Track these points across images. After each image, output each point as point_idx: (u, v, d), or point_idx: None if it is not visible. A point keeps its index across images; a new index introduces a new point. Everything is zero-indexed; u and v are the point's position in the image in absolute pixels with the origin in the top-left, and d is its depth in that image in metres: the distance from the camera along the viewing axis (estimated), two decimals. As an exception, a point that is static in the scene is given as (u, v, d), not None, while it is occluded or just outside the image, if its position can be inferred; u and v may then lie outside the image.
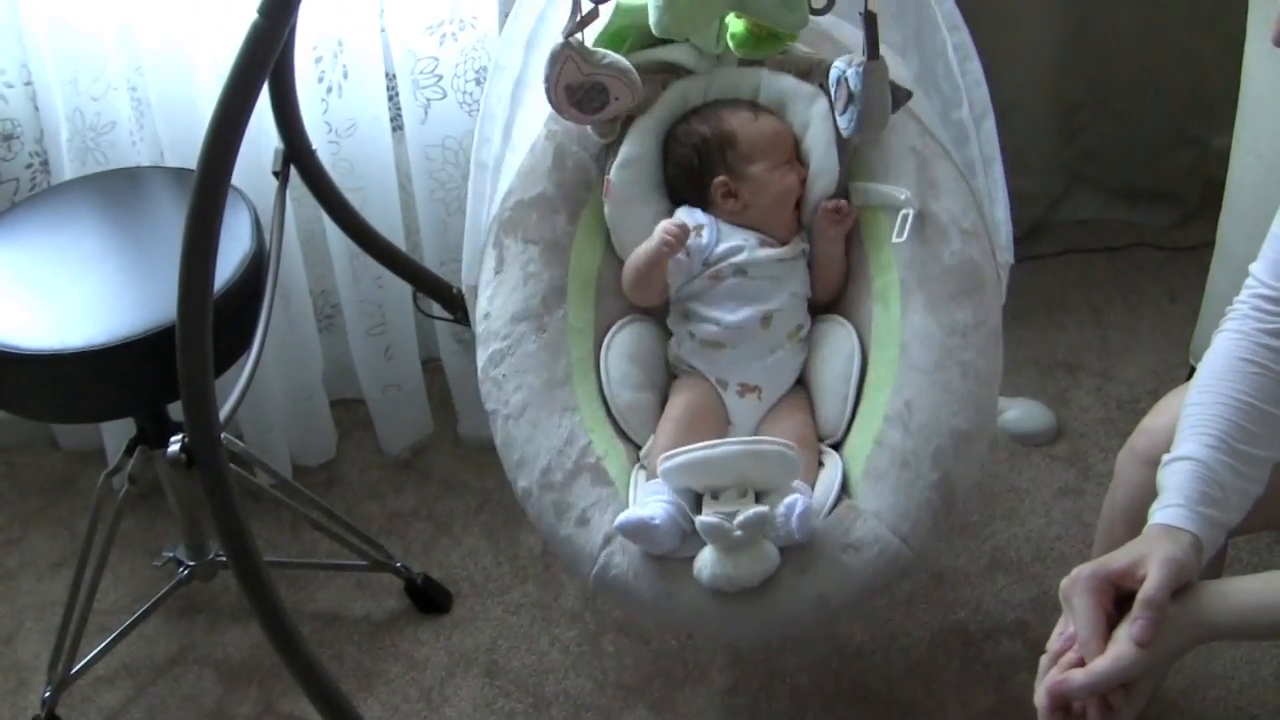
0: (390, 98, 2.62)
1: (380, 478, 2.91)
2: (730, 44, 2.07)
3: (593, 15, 1.94)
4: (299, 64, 2.27)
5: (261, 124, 2.30)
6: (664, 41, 2.14)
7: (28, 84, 2.49)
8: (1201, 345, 1.71)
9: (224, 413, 1.91)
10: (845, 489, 1.89)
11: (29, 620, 2.65)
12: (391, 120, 2.64)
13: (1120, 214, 3.41)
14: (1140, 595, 1.40)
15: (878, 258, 2.04)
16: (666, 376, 2.10)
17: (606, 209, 2.11)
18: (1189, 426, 1.54)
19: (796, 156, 2.12)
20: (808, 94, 2.11)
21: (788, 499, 1.77)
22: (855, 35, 1.96)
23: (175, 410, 1.94)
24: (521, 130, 2.16)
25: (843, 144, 2.07)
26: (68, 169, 2.49)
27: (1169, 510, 1.48)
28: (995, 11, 3.02)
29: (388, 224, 2.66)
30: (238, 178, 1.83)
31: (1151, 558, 1.42)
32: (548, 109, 2.09)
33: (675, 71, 2.15)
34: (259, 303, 2.12)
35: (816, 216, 2.08)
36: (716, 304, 2.05)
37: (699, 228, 2.08)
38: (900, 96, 1.96)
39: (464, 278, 2.17)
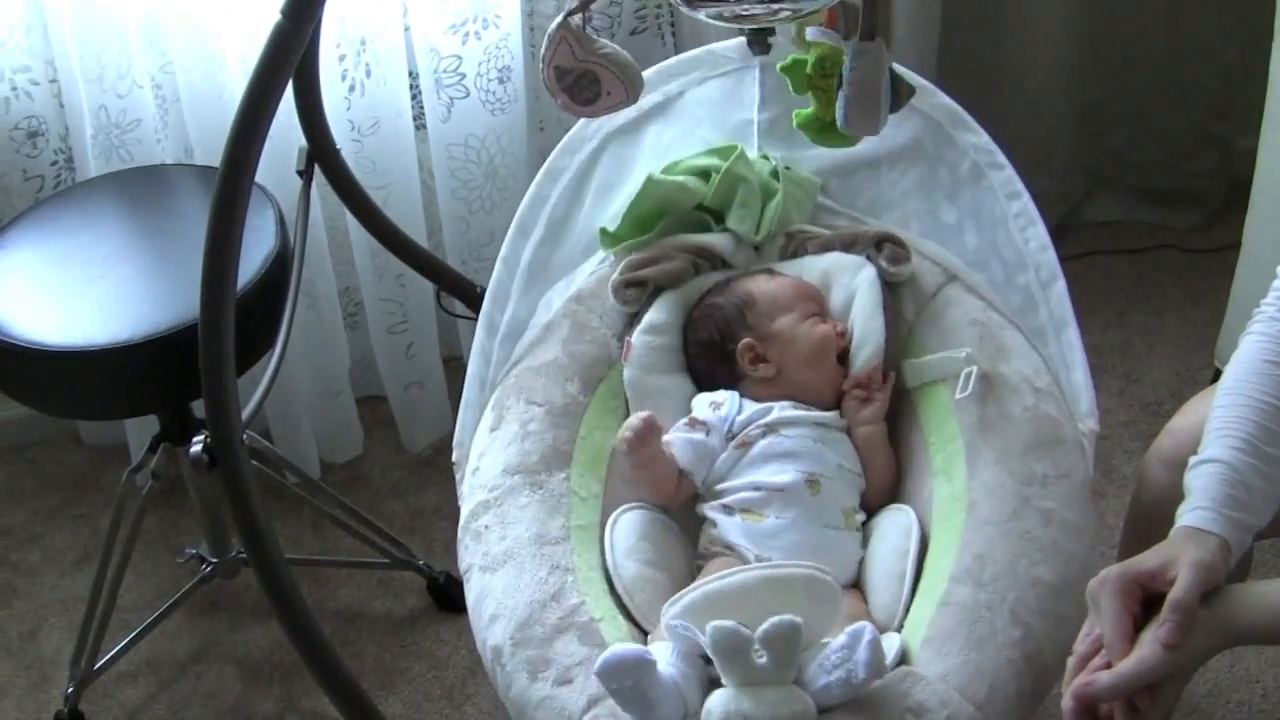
0: (413, 96, 2.63)
1: (402, 476, 2.91)
2: (801, 127, 1.89)
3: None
4: (323, 62, 2.27)
5: (286, 122, 2.30)
6: (702, 226, 2.09)
7: (53, 81, 2.50)
8: (1226, 348, 1.71)
9: (247, 411, 1.92)
10: (903, 661, 1.57)
11: (52, 616, 2.66)
12: (414, 119, 2.65)
13: (1144, 216, 3.40)
14: (1170, 598, 1.40)
15: (939, 432, 1.84)
16: (687, 567, 1.81)
17: (626, 373, 1.95)
18: (1215, 429, 1.54)
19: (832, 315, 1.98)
20: (853, 265, 2.00)
21: (851, 628, 1.44)
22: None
23: (199, 407, 1.95)
24: (539, 309, 2.06)
25: (889, 306, 1.94)
26: (92, 166, 2.50)
27: (1196, 513, 1.47)
28: (1018, 12, 3.02)
29: (410, 222, 2.67)
30: (262, 176, 1.83)
31: (1181, 560, 1.42)
32: (569, 291, 2.02)
33: (713, 261, 2.06)
34: (283, 301, 2.13)
35: (845, 401, 1.91)
36: (752, 469, 1.81)
37: (718, 404, 1.89)
38: (903, 90, 1.75)
39: (455, 444, 1.98)
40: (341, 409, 2.89)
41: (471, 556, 1.73)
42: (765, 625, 1.39)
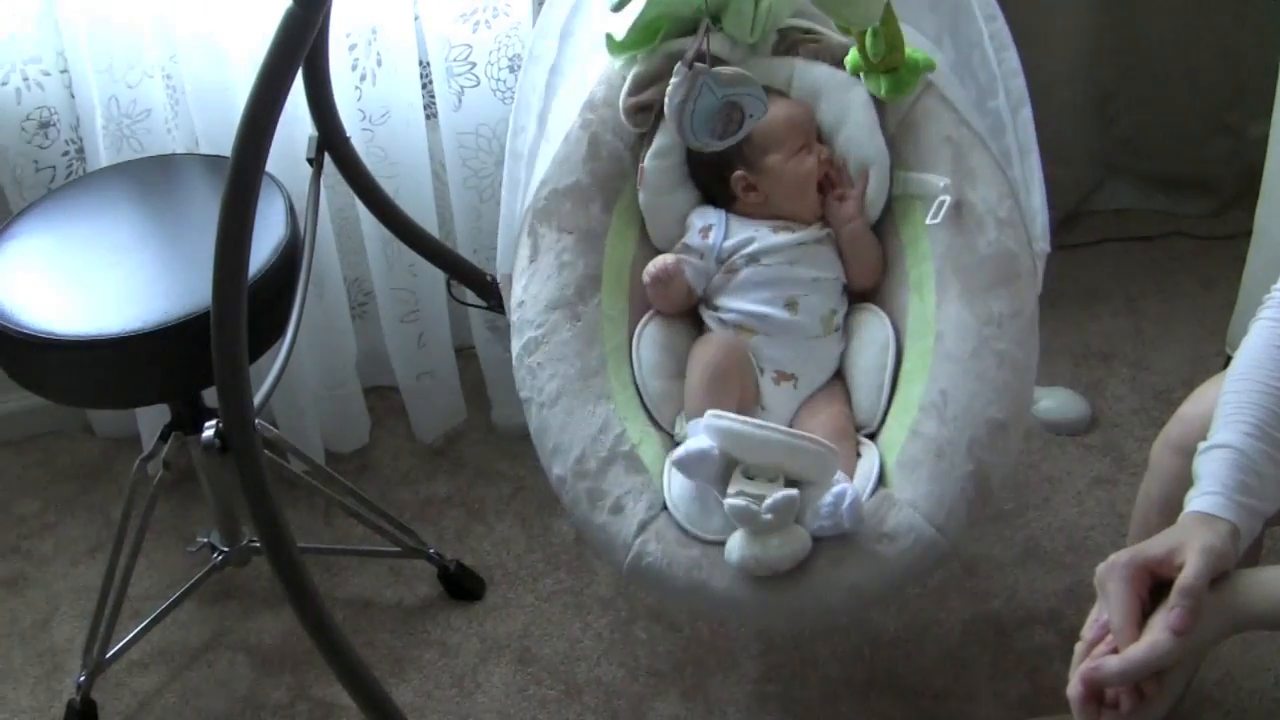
0: (424, 85, 2.63)
1: (413, 465, 2.92)
2: (864, 79, 2.07)
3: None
4: (333, 51, 2.27)
5: (296, 111, 2.30)
6: (694, 31, 2.11)
7: (64, 71, 2.51)
8: (1238, 334, 1.71)
9: (258, 399, 1.92)
10: (881, 479, 1.88)
11: (64, 605, 2.67)
12: (425, 108, 2.65)
13: (1156, 203, 3.39)
14: (1178, 583, 1.40)
15: (914, 247, 2.03)
16: None
17: (641, 197, 2.12)
18: (1226, 414, 1.53)
19: (820, 139, 2.12)
20: (843, 82, 2.11)
21: (836, 488, 1.76)
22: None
23: (209, 396, 1.95)
24: (556, 120, 2.16)
25: (884, 124, 2.08)
26: (103, 156, 2.51)
27: (1206, 498, 1.47)
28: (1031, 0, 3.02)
29: (421, 211, 2.67)
30: (272, 165, 1.83)
31: (1189, 546, 1.42)
32: (583, 97, 2.09)
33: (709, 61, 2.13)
34: (293, 290, 2.13)
35: (826, 204, 2.10)
36: (736, 295, 2.06)
37: (707, 228, 2.09)
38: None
39: (499, 266, 2.18)
40: (348, 399, 2.89)
41: (529, 391, 1.97)
42: (769, 500, 1.72)
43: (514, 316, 2.04)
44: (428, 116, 2.66)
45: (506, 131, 2.44)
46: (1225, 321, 2.80)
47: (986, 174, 2.01)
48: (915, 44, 2.08)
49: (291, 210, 2.21)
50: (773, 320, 2.02)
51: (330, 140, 2.31)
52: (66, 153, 2.59)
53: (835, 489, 1.76)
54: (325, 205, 2.59)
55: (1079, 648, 1.46)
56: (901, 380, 1.97)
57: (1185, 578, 1.39)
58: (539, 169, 2.13)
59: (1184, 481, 1.54)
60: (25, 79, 2.48)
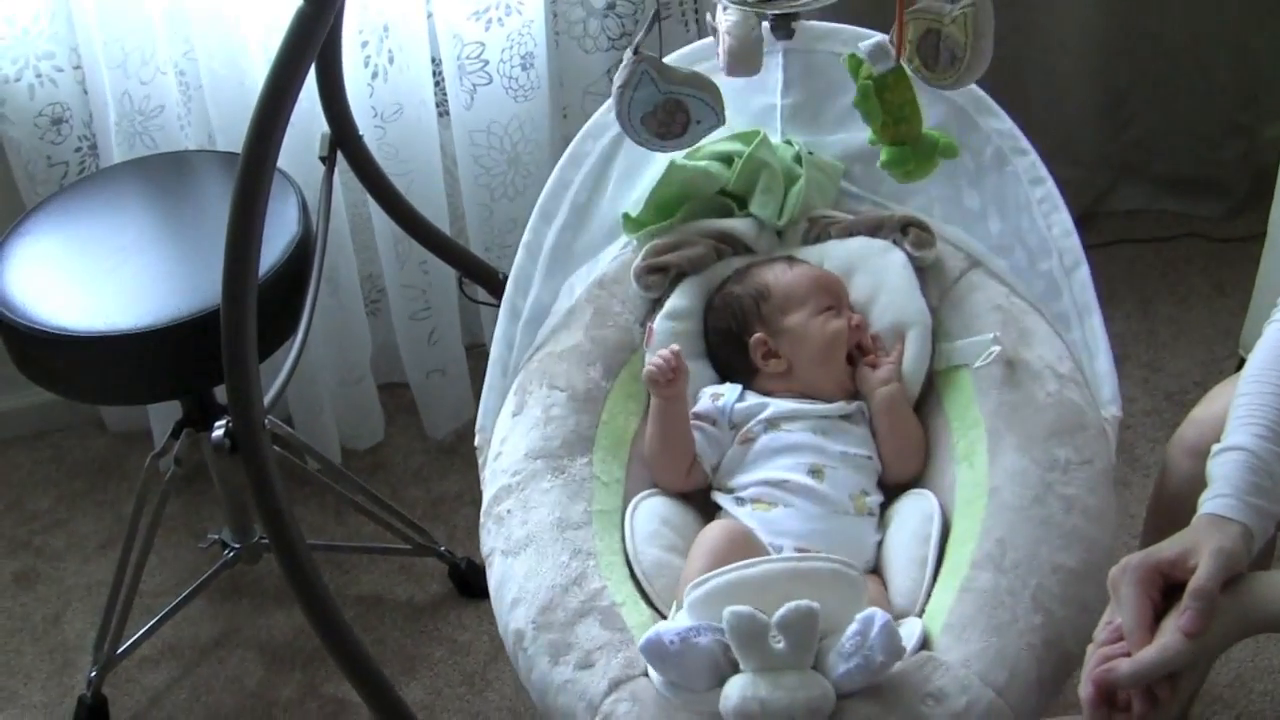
0: (436, 83, 2.63)
1: (424, 462, 2.92)
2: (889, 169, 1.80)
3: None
4: (346, 49, 2.27)
5: (309, 108, 2.30)
6: (724, 213, 2.09)
7: (77, 68, 2.51)
8: (1251, 337, 1.70)
9: (269, 397, 1.92)
10: (924, 646, 1.56)
11: (75, 601, 2.67)
12: (437, 105, 2.65)
13: (1169, 205, 3.38)
14: (1191, 585, 1.39)
15: (963, 418, 1.84)
16: None
17: (648, 359, 1.89)
18: (1239, 417, 1.53)
19: (852, 309, 1.97)
20: (879, 249, 2.00)
21: (862, 614, 1.44)
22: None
23: (221, 393, 1.95)
24: (562, 294, 2.07)
25: (926, 293, 1.95)
26: (116, 152, 2.51)
27: (1218, 500, 1.46)
28: (1044, 0, 3.01)
29: (433, 209, 2.67)
30: (284, 162, 1.84)
31: (1202, 548, 1.41)
32: (590, 277, 2.02)
33: (735, 246, 2.06)
34: (305, 287, 2.13)
35: (858, 374, 1.92)
36: (752, 467, 1.84)
37: (717, 394, 1.91)
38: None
39: (478, 428, 1.99)
40: (363, 396, 2.89)
41: (494, 541, 1.73)
42: (782, 610, 1.40)
43: (486, 472, 1.86)
44: (440, 114, 2.66)
45: (518, 130, 2.45)
46: (1238, 324, 2.79)
47: (1042, 335, 1.87)
48: (959, 221, 2.04)
49: (304, 207, 2.22)
50: (793, 485, 1.78)
51: (342, 137, 2.32)
52: (79, 149, 2.59)
53: (862, 615, 1.44)
54: (339, 202, 2.59)
55: (1091, 650, 1.46)
56: (950, 549, 1.70)
57: (1198, 580, 1.39)
58: (538, 335, 2.02)
59: (1197, 484, 1.53)
60: (38, 75, 2.49)
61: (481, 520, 1.80)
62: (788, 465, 1.81)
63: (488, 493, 1.82)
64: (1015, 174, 2.04)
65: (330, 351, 2.78)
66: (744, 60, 1.86)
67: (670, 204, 2.06)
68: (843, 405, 1.89)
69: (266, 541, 2.43)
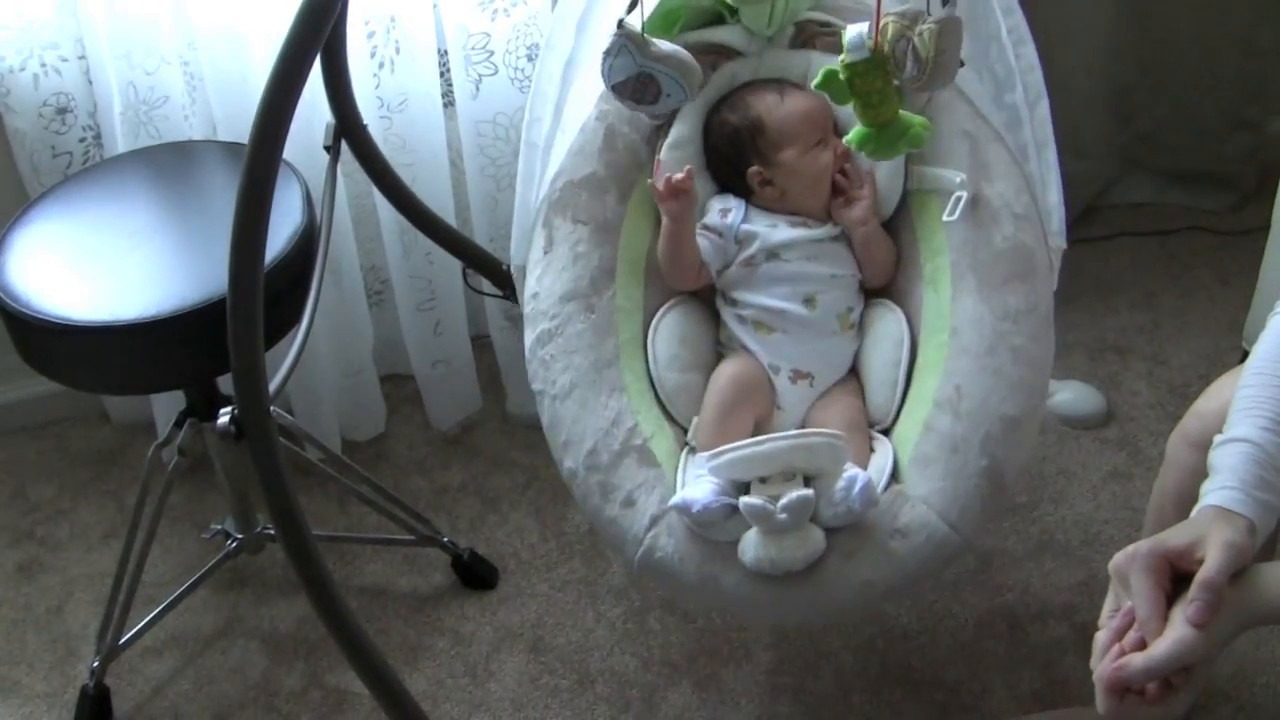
0: (442, 73, 2.63)
1: (428, 453, 2.92)
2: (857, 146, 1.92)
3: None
4: (352, 39, 2.27)
5: (314, 99, 2.30)
6: (717, 22, 2.14)
7: (81, 58, 2.51)
8: (1254, 330, 1.70)
9: (273, 385, 1.92)
10: (895, 475, 1.87)
11: (78, 590, 2.67)
12: (443, 96, 2.65)
13: (1174, 198, 3.38)
14: (1199, 577, 1.39)
15: (929, 242, 2.02)
16: (715, 359, 2.08)
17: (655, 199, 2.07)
18: (1242, 409, 1.53)
19: (836, 132, 2.09)
20: None
21: (848, 473, 1.75)
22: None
23: (225, 384, 1.95)
24: (572, 111, 2.15)
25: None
26: (120, 143, 2.51)
27: (1224, 493, 1.46)
28: (1050, -8, 3.01)
29: (438, 200, 2.67)
30: (289, 152, 1.83)
31: (1210, 540, 1.41)
32: (599, 89, 2.07)
33: (726, 53, 2.14)
34: (309, 277, 2.13)
35: (833, 206, 2.09)
36: (756, 290, 2.04)
37: (726, 210, 2.08)
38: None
39: (513, 257, 2.17)
40: (364, 387, 2.89)
41: (542, 384, 1.96)
42: (784, 499, 1.71)
43: (527, 308, 2.03)
44: (445, 105, 2.66)
45: (523, 121, 2.44)
46: (1242, 316, 2.79)
47: (1003, 169, 1.99)
48: None
49: (308, 197, 2.21)
50: (791, 316, 2.01)
51: (348, 128, 2.31)
52: (84, 139, 2.60)
53: (846, 474, 1.75)
54: (343, 193, 2.60)
55: (1101, 637, 1.45)
56: (916, 375, 1.96)
57: (1207, 571, 1.39)
58: (554, 160, 2.12)
59: (1200, 476, 1.53)
60: (43, 65, 2.49)
61: (528, 357, 1.99)
62: (784, 294, 2.03)
63: (529, 333, 2.00)
64: (988, 0, 2.11)
65: (332, 343, 2.78)
66: None
67: (670, 16, 2.11)
68: (831, 229, 2.08)
69: (270, 532, 2.43)
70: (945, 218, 1.97)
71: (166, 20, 2.44)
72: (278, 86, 1.73)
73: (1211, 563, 1.39)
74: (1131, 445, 2.77)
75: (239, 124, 2.47)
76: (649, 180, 2.04)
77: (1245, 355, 1.65)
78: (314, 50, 1.74)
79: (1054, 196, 2.05)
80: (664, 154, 2.10)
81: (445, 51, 2.60)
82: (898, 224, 2.09)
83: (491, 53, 2.57)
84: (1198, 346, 3.00)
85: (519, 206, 2.18)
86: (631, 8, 1.94)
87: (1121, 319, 3.08)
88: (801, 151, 2.07)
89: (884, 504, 1.79)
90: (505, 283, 2.57)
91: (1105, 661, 1.43)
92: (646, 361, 2.01)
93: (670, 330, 2.05)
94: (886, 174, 2.07)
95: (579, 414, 1.91)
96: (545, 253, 2.04)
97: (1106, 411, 2.84)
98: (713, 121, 2.13)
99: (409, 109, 2.60)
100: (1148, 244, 3.28)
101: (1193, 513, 1.48)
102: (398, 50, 2.53)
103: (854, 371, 2.06)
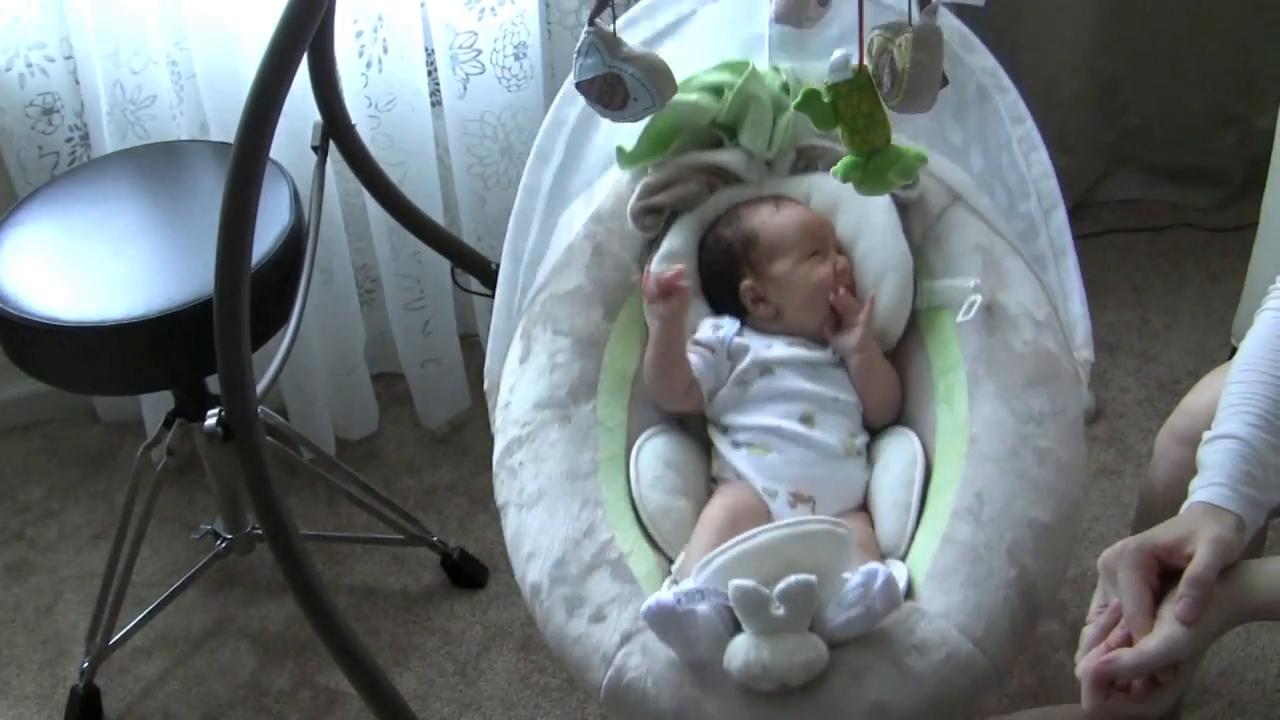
0: (429, 73, 2.63)
1: (418, 453, 2.92)
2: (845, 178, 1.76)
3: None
4: (339, 39, 2.27)
5: (302, 99, 2.30)
6: (716, 144, 2.09)
7: (68, 57, 2.50)
8: (1243, 326, 1.70)
9: (261, 386, 1.92)
10: (909, 594, 1.65)
11: (68, 591, 2.67)
12: (430, 95, 2.64)
13: (1162, 194, 3.39)
14: (1188, 573, 1.39)
15: (943, 357, 1.90)
16: (706, 492, 1.90)
17: (645, 302, 1.94)
18: (1231, 405, 1.53)
19: (839, 251, 2.01)
20: None
21: (865, 567, 1.53)
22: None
23: (213, 383, 1.95)
24: (561, 228, 2.09)
25: (909, 231, 1.97)
26: (108, 142, 2.50)
27: (1212, 489, 1.46)
28: (1038, -12, 3.01)
29: (426, 199, 2.67)
30: (277, 152, 1.83)
31: (1199, 536, 1.41)
32: (589, 210, 2.03)
33: (725, 176, 2.08)
34: (297, 276, 2.13)
35: (829, 331, 1.97)
36: (750, 410, 1.90)
37: (718, 325, 1.97)
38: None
39: (486, 373, 2.04)
40: (357, 386, 2.89)
41: (508, 493, 1.80)
42: (782, 584, 1.47)
43: (497, 420, 1.90)
44: (433, 104, 2.66)
45: (511, 120, 2.45)
46: (1231, 313, 2.79)
47: (1020, 278, 1.90)
48: (944, 156, 2.05)
49: (296, 197, 2.21)
50: (787, 433, 1.86)
51: (336, 127, 2.31)
52: (70, 139, 2.59)
53: (864, 568, 1.53)
54: (334, 191, 2.59)
55: (1088, 632, 1.46)
56: (931, 494, 1.78)
57: (1195, 568, 1.39)
58: (539, 274, 2.04)
59: (1188, 472, 1.53)
60: (29, 64, 2.48)
61: (494, 470, 1.84)
62: (781, 412, 1.88)
63: (499, 443, 1.86)
64: (997, 111, 2.06)
65: (324, 342, 2.78)
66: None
67: (664, 136, 2.07)
68: (831, 353, 1.96)
69: (259, 532, 2.43)
70: (958, 319, 1.86)
71: (154, 18, 2.44)
72: (264, 85, 1.73)
73: (1200, 559, 1.39)
74: (1120, 442, 2.77)
75: (228, 123, 2.47)
76: (635, 277, 1.96)
77: (1234, 351, 1.65)
78: (300, 48, 1.74)
79: (1077, 307, 1.96)
80: (654, 266, 1.99)
81: (432, 51, 2.60)
82: (908, 346, 1.98)
83: (479, 52, 2.57)
84: (1186, 343, 3.00)
85: (496, 317, 2.09)
86: (600, 9, 1.85)
87: (1110, 316, 3.08)
88: (796, 263, 1.97)
89: (896, 619, 1.57)
90: (492, 282, 2.56)
91: (1090, 656, 1.43)
92: (628, 482, 1.84)
93: (656, 452, 1.88)
94: (892, 294, 1.96)
95: (547, 522, 1.72)
96: (521, 362, 1.92)
97: (1095, 408, 2.84)
98: (707, 239, 2.05)
99: (397, 108, 2.60)
100: (1136, 240, 3.29)
101: (1181, 509, 1.48)
102: (385, 50, 2.53)
103: (863, 507, 1.87)
